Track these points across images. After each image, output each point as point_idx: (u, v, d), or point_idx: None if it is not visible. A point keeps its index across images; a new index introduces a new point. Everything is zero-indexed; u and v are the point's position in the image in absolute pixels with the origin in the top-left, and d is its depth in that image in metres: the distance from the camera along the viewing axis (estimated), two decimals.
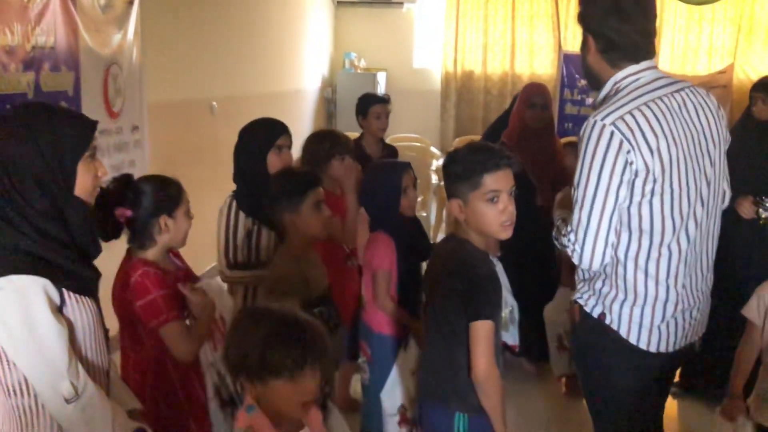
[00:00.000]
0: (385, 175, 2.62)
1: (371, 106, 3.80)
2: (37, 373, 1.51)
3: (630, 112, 1.91)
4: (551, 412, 3.67)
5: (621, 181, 1.92)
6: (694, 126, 2.00)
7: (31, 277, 1.48)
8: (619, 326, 2.03)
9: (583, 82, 8.85)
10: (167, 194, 2.01)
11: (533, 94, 3.83)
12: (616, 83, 2.01)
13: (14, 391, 1.54)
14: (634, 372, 2.08)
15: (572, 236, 1.98)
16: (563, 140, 7.90)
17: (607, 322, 2.04)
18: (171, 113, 4.78)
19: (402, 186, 2.55)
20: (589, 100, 8.60)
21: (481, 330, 1.89)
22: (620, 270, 2.00)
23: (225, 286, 2.51)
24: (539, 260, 3.77)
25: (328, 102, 8.87)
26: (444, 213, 6.34)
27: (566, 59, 8.49)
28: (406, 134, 8.00)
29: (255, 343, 1.53)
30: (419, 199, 6.92)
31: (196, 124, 5.10)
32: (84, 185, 1.58)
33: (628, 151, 1.89)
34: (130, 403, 1.80)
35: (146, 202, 1.97)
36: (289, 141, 2.71)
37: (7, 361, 1.52)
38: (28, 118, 1.54)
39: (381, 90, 8.84)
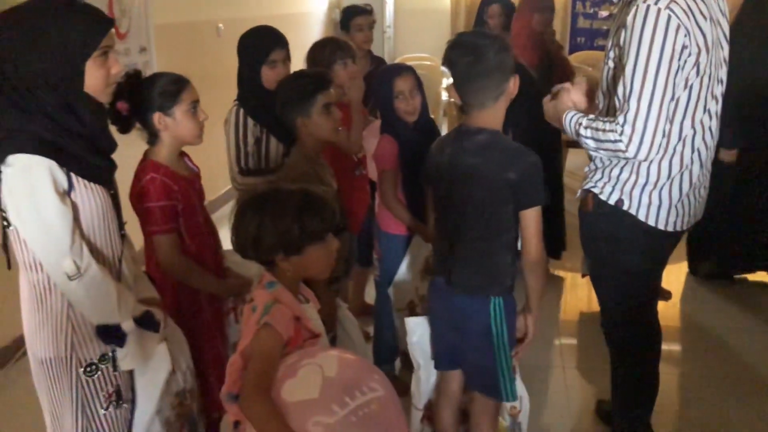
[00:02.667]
0: (378, 80, 2.63)
1: (352, 18, 3.69)
2: (41, 249, 1.58)
3: None
4: (559, 313, 3.79)
5: (678, 67, 1.90)
6: (716, 3, 2.01)
7: (37, 157, 1.52)
8: (637, 211, 2.09)
9: None
10: (160, 91, 1.99)
11: None
12: None
13: (30, 266, 1.64)
14: (647, 254, 2.17)
15: (627, 128, 1.91)
16: (574, 55, 7.80)
17: (625, 207, 2.10)
18: (177, 35, 4.77)
19: (394, 90, 2.54)
20: (602, 13, 8.43)
21: (535, 216, 1.93)
22: None
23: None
24: (550, 164, 3.81)
25: (336, 25, 8.73)
26: None
27: None
28: (416, 54, 7.93)
29: (292, 218, 1.62)
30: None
31: (202, 47, 5.09)
32: (94, 83, 1.60)
33: (685, 35, 1.88)
34: (147, 292, 1.87)
35: (142, 97, 1.97)
36: (284, 55, 2.61)
37: (22, 238, 1.60)
38: (37, 14, 1.55)
39: (390, 11, 8.70)
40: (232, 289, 2.23)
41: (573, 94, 2.17)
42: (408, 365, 2.98)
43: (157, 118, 2.01)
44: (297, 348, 1.63)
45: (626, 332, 2.36)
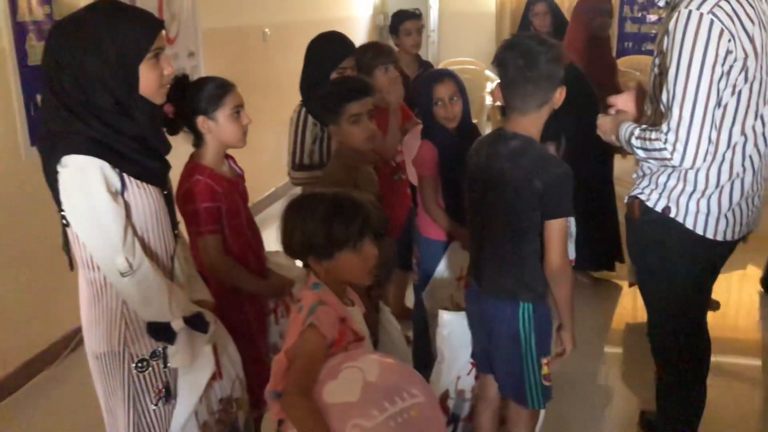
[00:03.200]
0: (419, 85, 2.65)
1: (401, 23, 3.73)
2: (95, 247, 1.63)
3: None
4: (608, 323, 3.72)
5: (722, 73, 1.87)
6: (766, 5, 1.97)
7: (90, 158, 1.57)
8: (685, 218, 2.05)
9: None
10: (205, 96, 2.03)
11: (603, 0, 3.73)
12: None
13: (88, 264, 1.69)
14: (696, 263, 2.12)
15: (671, 136, 1.89)
16: (621, 60, 7.68)
17: (672, 215, 2.06)
18: (224, 40, 4.85)
19: (433, 96, 2.53)
20: (650, 17, 8.29)
21: (557, 227, 1.93)
22: None
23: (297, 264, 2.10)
24: (600, 172, 3.77)
25: (380, 29, 8.77)
26: None
27: None
28: (460, 58, 7.90)
29: (318, 223, 1.64)
30: (474, 121, 6.93)
31: (248, 51, 5.16)
32: (148, 85, 1.64)
33: (729, 40, 1.84)
34: (200, 294, 1.91)
35: (188, 100, 2.02)
36: (353, 63, 2.71)
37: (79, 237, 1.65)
38: (92, 21, 1.59)
39: (434, 15, 8.69)
40: (273, 290, 2.25)
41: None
42: None
43: (200, 121, 2.05)
44: (342, 349, 1.64)
45: (674, 343, 2.30)
